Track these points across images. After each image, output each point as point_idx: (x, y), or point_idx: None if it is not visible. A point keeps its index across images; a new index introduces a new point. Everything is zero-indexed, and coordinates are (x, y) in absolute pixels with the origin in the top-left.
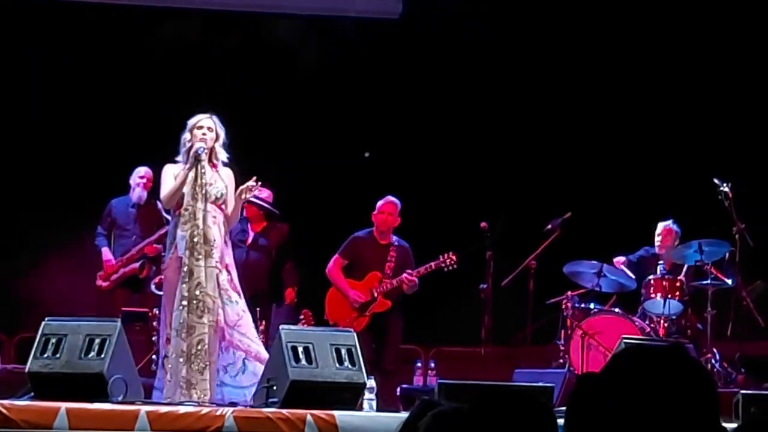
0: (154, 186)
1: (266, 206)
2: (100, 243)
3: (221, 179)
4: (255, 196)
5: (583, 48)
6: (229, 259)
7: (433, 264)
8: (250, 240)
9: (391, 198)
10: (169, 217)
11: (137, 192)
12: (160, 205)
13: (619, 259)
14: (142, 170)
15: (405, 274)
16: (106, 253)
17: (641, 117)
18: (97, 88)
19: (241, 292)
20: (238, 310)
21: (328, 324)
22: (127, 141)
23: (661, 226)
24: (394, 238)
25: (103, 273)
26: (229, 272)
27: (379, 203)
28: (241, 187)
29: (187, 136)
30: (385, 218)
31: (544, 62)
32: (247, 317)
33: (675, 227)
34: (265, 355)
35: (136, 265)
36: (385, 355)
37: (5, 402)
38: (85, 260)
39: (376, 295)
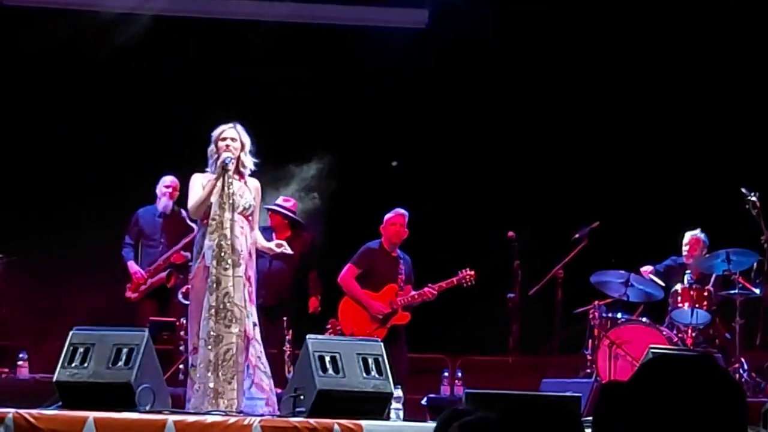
0: (180, 195)
1: (291, 215)
2: (126, 255)
3: (249, 191)
4: (279, 205)
5: (612, 58)
6: (251, 272)
7: (454, 279)
8: None
9: (400, 210)
10: (194, 226)
11: (163, 201)
12: (185, 214)
13: (647, 269)
14: (167, 179)
15: (427, 288)
16: (132, 266)
17: (671, 126)
18: (125, 95)
19: (255, 304)
20: (252, 324)
21: (344, 335)
22: (155, 150)
23: (688, 236)
24: (399, 250)
25: (132, 285)
26: (250, 284)
27: (390, 215)
28: (275, 244)
29: (212, 148)
30: (398, 230)
31: (571, 71)
32: (257, 331)
33: (703, 237)
34: (262, 380)
35: (164, 274)
36: (401, 366)
37: (34, 411)
38: (113, 270)
39: (396, 307)
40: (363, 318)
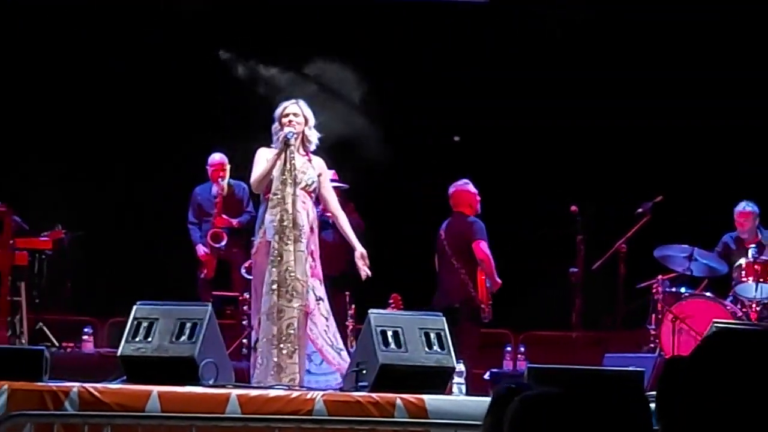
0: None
1: (344, 186)
2: (193, 235)
3: (312, 168)
4: (333, 180)
5: (673, 30)
6: (313, 246)
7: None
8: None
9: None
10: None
11: (212, 180)
12: (239, 190)
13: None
14: (213, 158)
15: None
16: (199, 249)
17: (734, 98)
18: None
19: (321, 278)
20: (315, 298)
21: (474, 305)
22: (217, 124)
23: (738, 210)
24: None
25: (203, 266)
26: (313, 259)
27: (472, 188)
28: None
29: (276, 125)
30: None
31: (633, 44)
32: (323, 306)
33: (751, 208)
34: (328, 353)
35: (222, 245)
36: (473, 340)
37: (99, 385)
38: (176, 244)
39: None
40: (485, 292)
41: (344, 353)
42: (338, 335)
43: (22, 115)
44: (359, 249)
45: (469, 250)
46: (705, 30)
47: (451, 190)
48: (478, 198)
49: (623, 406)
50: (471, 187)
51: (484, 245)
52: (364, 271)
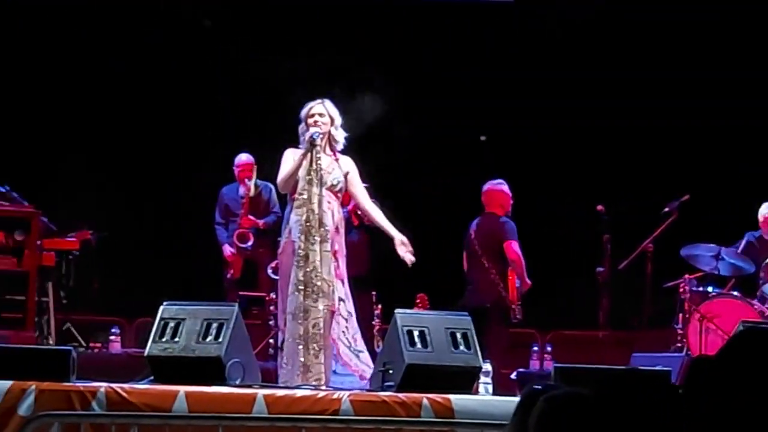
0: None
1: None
2: (220, 236)
3: (339, 168)
4: None
5: (700, 30)
6: (338, 247)
7: None
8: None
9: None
10: (271, 203)
11: (239, 181)
12: (266, 191)
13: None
14: (239, 159)
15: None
16: (226, 249)
17: (757, 99)
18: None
19: (345, 279)
20: (337, 298)
21: (504, 305)
22: (242, 125)
23: (762, 210)
24: None
25: (230, 267)
26: (336, 259)
27: (506, 189)
28: (403, 248)
29: (302, 126)
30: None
31: (658, 42)
32: (343, 307)
33: None
34: (345, 354)
35: (249, 246)
36: (502, 341)
37: (126, 385)
38: (203, 244)
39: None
40: (516, 292)
41: (364, 355)
42: (359, 337)
43: (48, 117)
44: (398, 236)
45: (500, 250)
46: (735, 27)
47: (485, 188)
48: (512, 200)
49: (652, 407)
50: (505, 188)
51: (515, 245)
52: (408, 257)
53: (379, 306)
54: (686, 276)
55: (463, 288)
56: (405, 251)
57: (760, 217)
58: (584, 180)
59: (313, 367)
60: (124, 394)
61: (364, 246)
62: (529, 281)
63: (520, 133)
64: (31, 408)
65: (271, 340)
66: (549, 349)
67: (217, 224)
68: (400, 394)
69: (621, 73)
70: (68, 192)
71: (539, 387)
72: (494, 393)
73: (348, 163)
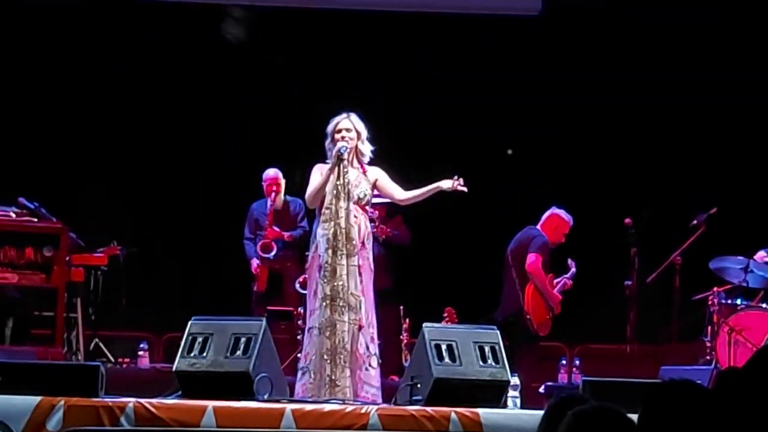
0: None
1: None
2: (249, 251)
3: (366, 180)
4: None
5: (728, 39)
6: (363, 261)
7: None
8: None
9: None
10: (299, 217)
11: (267, 195)
12: (295, 206)
13: (761, 254)
14: (267, 174)
15: (565, 279)
16: (254, 263)
17: None
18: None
19: (370, 294)
20: (363, 312)
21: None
22: (272, 141)
23: None
24: None
25: (258, 281)
26: (361, 274)
27: (564, 219)
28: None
29: (329, 141)
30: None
31: (688, 54)
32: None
33: None
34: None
35: (272, 256)
36: (533, 355)
37: (154, 400)
38: (231, 260)
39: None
40: (541, 307)
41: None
42: (374, 347)
43: (76, 134)
44: (439, 184)
45: (524, 261)
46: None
47: (551, 210)
48: (565, 229)
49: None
50: (564, 215)
51: (534, 257)
52: (460, 188)
53: (407, 320)
54: (715, 289)
55: (491, 301)
56: (455, 185)
57: None
58: (612, 192)
59: (339, 380)
60: (152, 410)
61: (383, 260)
62: (556, 295)
63: (547, 145)
64: (60, 423)
65: (299, 355)
66: (577, 362)
67: (246, 239)
68: (428, 408)
69: (649, 83)
70: (96, 208)
71: (564, 396)
72: (522, 407)
73: (375, 172)
